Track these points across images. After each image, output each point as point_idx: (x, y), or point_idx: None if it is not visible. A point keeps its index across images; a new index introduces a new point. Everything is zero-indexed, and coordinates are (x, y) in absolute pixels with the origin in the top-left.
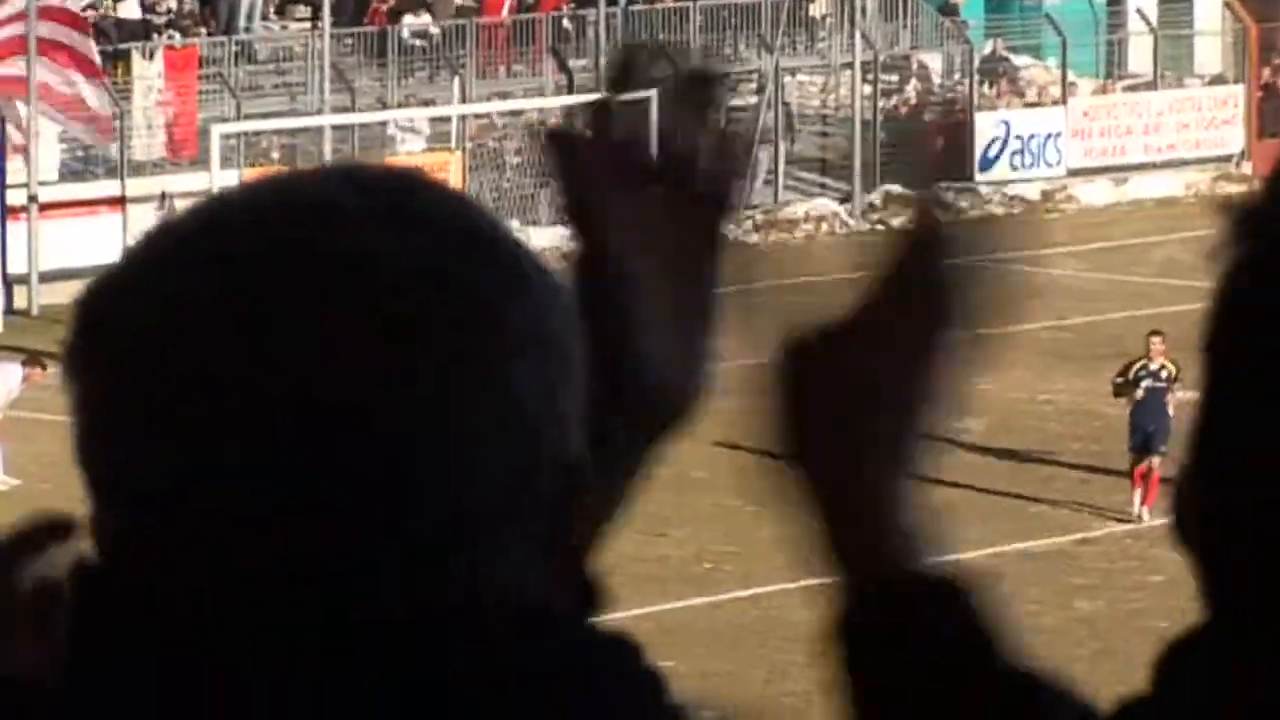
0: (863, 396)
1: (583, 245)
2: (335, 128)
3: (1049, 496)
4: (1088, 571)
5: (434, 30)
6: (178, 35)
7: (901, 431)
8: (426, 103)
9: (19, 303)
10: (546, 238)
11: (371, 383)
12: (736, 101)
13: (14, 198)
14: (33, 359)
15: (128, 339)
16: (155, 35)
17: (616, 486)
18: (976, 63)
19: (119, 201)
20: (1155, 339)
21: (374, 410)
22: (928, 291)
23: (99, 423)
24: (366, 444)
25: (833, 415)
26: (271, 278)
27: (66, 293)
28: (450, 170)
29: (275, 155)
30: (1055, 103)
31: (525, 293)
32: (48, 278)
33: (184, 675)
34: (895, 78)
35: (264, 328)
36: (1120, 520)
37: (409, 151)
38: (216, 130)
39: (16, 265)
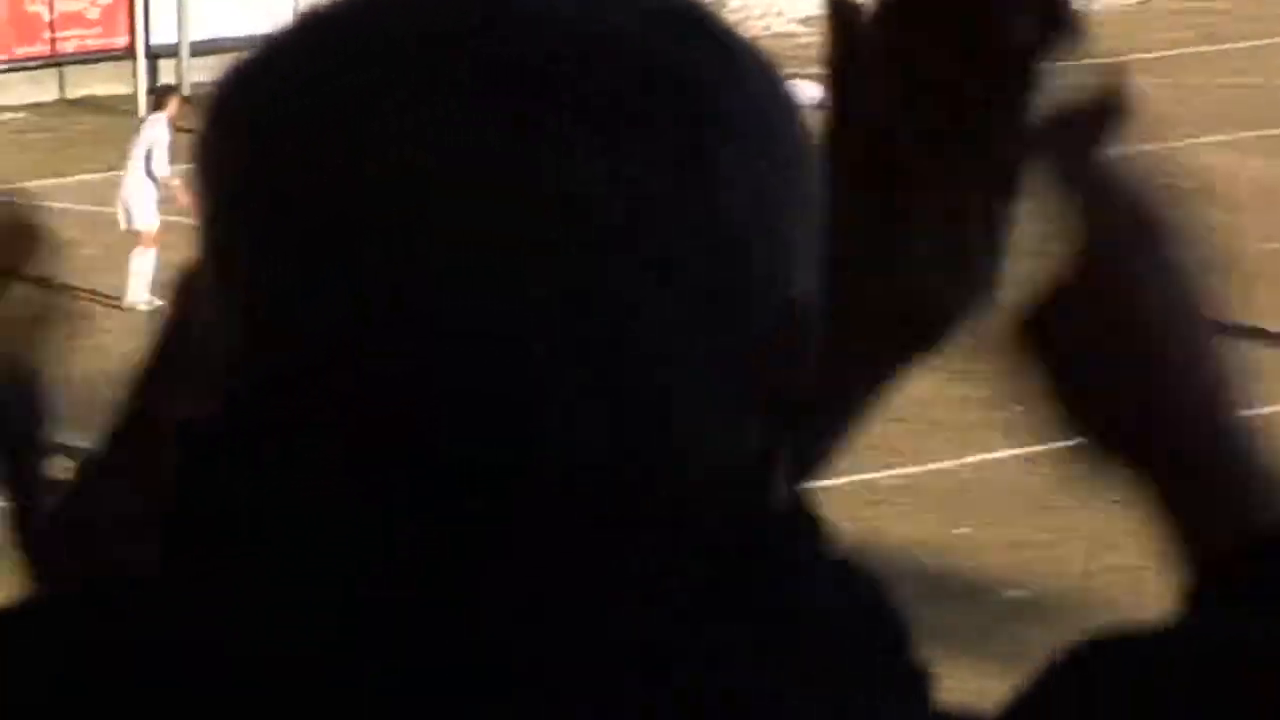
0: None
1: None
2: None
3: None
4: None
5: None
6: None
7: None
8: None
9: (165, 80)
10: None
11: (539, 174)
12: None
13: None
14: (163, 90)
15: (276, 131)
16: None
17: (850, 411)
18: None
19: None
20: None
21: (544, 201)
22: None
23: (232, 233)
24: (534, 245)
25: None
26: (439, 63)
27: (222, 69)
28: None
29: None
30: None
31: (740, 78)
32: (200, 50)
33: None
34: None
35: (436, 116)
36: None
37: None
38: None
39: (162, 35)
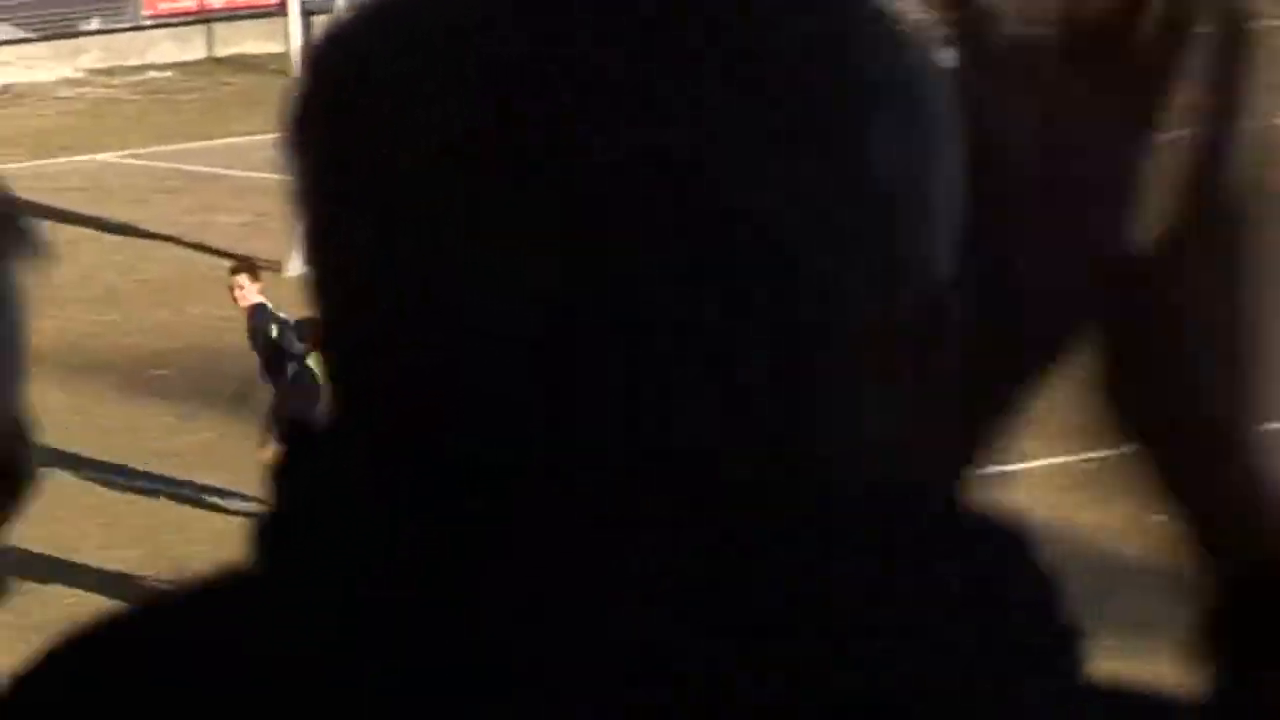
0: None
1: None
2: None
3: None
4: None
5: None
6: None
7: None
8: None
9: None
10: None
11: (670, 129)
12: None
13: None
14: None
15: (387, 88)
16: None
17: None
18: None
19: None
20: None
21: (677, 164)
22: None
23: (339, 200)
24: (671, 214)
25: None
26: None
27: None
28: None
29: None
30: None
31: (884, 39)
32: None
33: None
34: None
35: (459, 109)
36: None
37: None
38: None
39: None
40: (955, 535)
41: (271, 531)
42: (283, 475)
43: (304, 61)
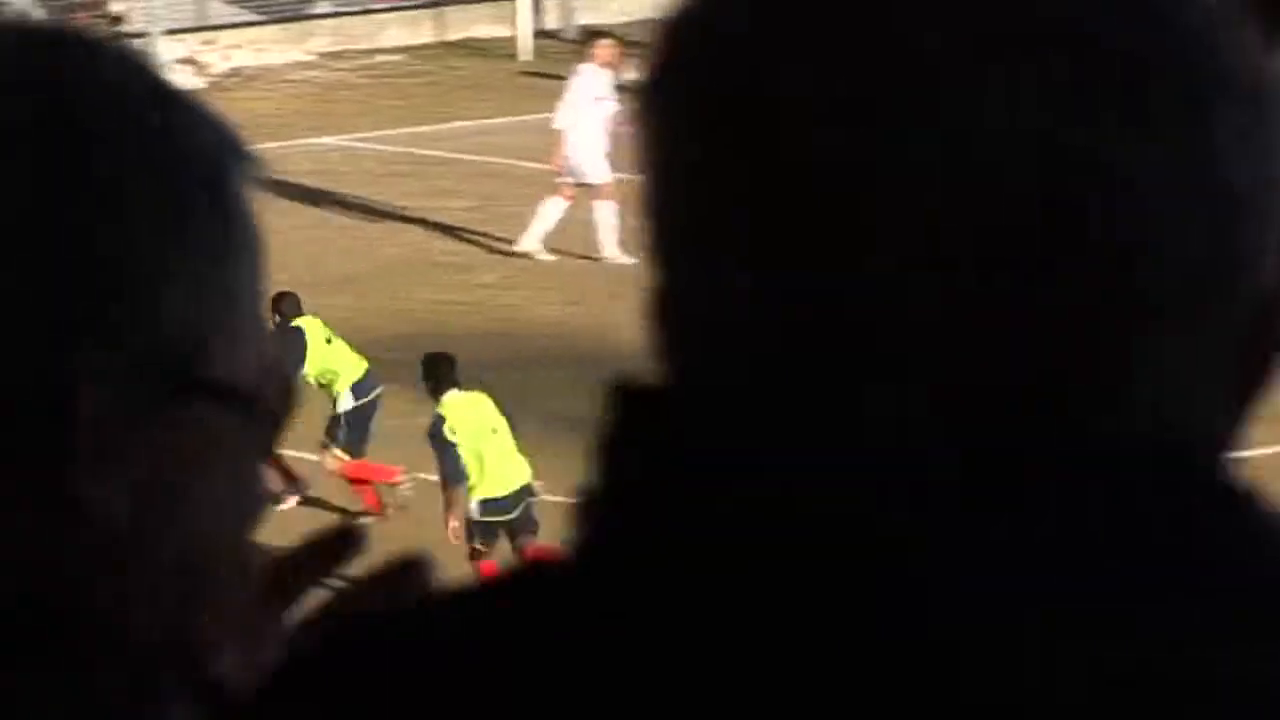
0: None
1: None
2: None
3: None
4: None
5: None
6: None
7: None
8: None
9: (550, 21)
10: None
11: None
12: None
13: None
14: (592, 36)
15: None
16: None
17: None
18: None
19: None
20: None
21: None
22: None
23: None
24: (1008, 185)
25: None
26: None
27: (612, 10)
28: None
29: None
30: None
31: (1232, 27)
32: None
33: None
34: None
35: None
36: None
37: None
38: None
39: None
40: (1242, 515)
41: (614, 504)
42: (618, 446)
43: (656, 30)
